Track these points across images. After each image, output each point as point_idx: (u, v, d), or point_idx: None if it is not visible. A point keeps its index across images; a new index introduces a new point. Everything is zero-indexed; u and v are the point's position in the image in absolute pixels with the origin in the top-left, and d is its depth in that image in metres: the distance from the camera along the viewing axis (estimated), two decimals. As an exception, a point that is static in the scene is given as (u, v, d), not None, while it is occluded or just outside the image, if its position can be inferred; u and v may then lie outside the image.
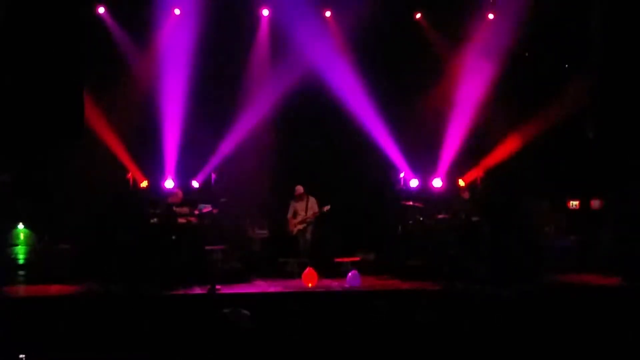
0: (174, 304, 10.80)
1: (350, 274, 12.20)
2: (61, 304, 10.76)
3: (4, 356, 8.52)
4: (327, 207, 13.69)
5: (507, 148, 14.75)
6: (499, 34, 14.64)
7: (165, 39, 14.49)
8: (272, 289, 11.85)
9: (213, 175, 14.41)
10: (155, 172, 14.32)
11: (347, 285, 12.01)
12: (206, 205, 13.53)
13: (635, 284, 11.80)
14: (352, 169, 14.78)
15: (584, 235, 13.92)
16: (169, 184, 14.10)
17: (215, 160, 14.49)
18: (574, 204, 14.42)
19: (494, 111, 14.74)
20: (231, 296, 11.03)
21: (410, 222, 13.87)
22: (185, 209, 13.29)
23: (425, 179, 14.84)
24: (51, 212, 13.35)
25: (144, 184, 14.18)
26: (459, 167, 14.85)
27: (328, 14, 15.02)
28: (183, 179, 14.31)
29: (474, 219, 13.35)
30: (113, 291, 11.44)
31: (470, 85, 14.83)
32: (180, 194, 13.61)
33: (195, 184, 14.38)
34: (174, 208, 13.25)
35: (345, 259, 13.32)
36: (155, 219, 13.03)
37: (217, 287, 11.30)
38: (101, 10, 14.37)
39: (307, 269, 12.19)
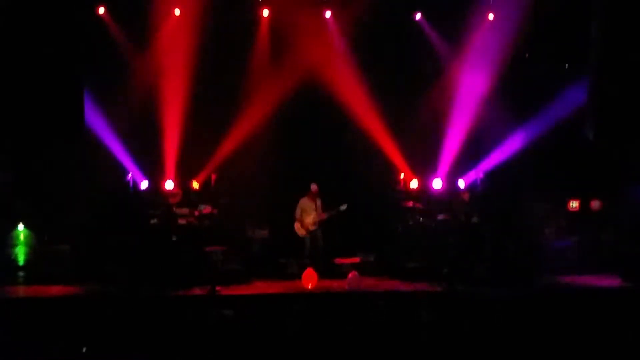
0: (174, 304, 10.80)
1: (350, 275, 12.20)
2: (61, 304, 10.78)
3: (4, 356, 8.53)
4: (344, 206, 13.60)
5: (507, 149, 14.74)
6: (499, 34, 14.64)
7: (165, 39, 14.49)
8: (271, 290, 11.85)
9: (213, 176, 14.42)
10: (155, 173, 14.32)
11: (347, 287, 12.01)
12: (206, 206, 13.53)
13: (635, 284, 11.81)
14: (352, 169, 14.76)
15: (583, 236, 13.91)
16: (169, 184, 14.09)
17: (215, 160, 14.49)
18: (573, 204, 14.40)
19: (493, 112, 14.72)
20: (231, 297, 11.04)
21: (410, 223, 13.87)
22: (185, 210, 13.29)
23: (425, 179, 14.83)
24: (51, 212, 13.36)
25: (144, 184, 14.18)
26: (459, 168, 14.84)
27: (328, 14, 15.01)
28: (183, 180, 14.30)
29: (474, 220, 13.35)
30: (113, 292, 11.45)
31: (470, 86, 14.83)
32: (180, 193, 13.60)
33: (195, 184, 14.37)
34: (174, 209, 13.25)
35: (345, 260, 13.31)
36: (155, 220, 13.03)
37: (217, 288, 11.31)
38: (101, 10, 14.36)
39: (307, 270, 12.19)
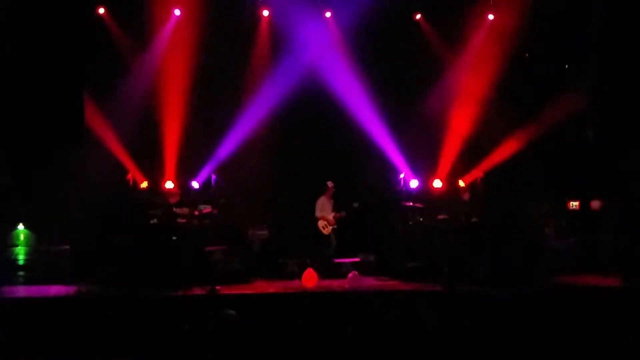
0: (174, 305, 10.79)
1: (350, 275, 12.21)
2: (60, 304, 10.77)
3: (4, 356, 8.53)
4: (356, 204, 13.62)
5: (507, 149, 14.74)
6: (498, 34, 14.64)
7: (165, 40, 14.50)
8: (272, 290, 11.85)
9: (213, 176, 14.42)
10: (155, 173, 14.32)
11: (347, 286, 12.01)
12: (206, 206, 13.54)
13: (636, 284, 11.80)
14: (352, 169, 14.76)
15: (584, 236, 13.92)
16: (169, 185, 14.09)
17: (215, 160, 14.50)
18: (573, 205, 14.42)
19: (493, 112, 14.73)
20: (231, 297, 11.04)
21: (410, 223, 13.87)
22: (185, 210, 13.29)
23: (425, 179, 14.84)
24: (51, 213, 13.35)
25: (144, 184, 14.18)
26: (459, 168, 14.84)
27: (328, 14, 15.01)
28: (183, 180, 14.30)
29: (474, 220, 13.35)
30: (113, 292, 11.44)
31: (470, 86, 14.82)
32: (178, 192, 13.60)
33: (195, 184, 14.37)
34: (174, 209, 13.25)
35: (346, 260, 13.31)
36: (155, 220, 13.02)
37: (217, 287, 11.30)
38: (101, 10, 14.36)
39: (307, 270, 12.19)
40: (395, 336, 8.83)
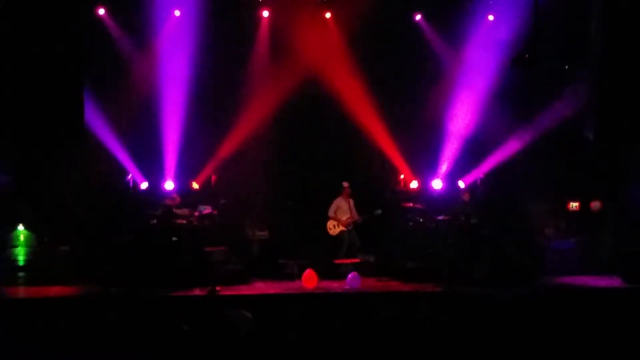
0: (174, 305, 10.79)
1: (350, 275, 12.20)
2: (61, 305, 10.77)
3: (4, 356, 8.53)
4: (379, 211, 13.63)
5: (507, 149, 14.74)
6: (498, 35, 14.64)
7: (165, 40, 14.51)
8: (271, 291, 11.85)
9: (213, 177, 14.42)
10: (155, 174, 14.32)
11: (347, 287, 12.01)
12: (206, 207, 13.54)
13: (635, 285, 11.80)
14: (352, 169, 14.75)
15: (583, 236, 13.92)
16: (169, 185, 14.08)
17: (215, 161, 14.49)
18: (573, 205, 14.42)
19: (494, 112, 14.72)
20: (231, 298, 11.04)
21: (410, 223, 13.87)
22: (185, 211, 13.29)
23: (425, 180, 14.84)
24: (51, 213, 13.35)
25: (144, 185, 14.17)
26: (459, 168, 14.83)
27: (328, 15, 15.01)
28: (183, 181, 14.30)
29: (474, 220, 13.35)
30: (113, 293, 11.44)
31: (470, 87, 14.82)
32: (177, 198, 13.58)
33: (195, 185, 14.37)
34: (174, 209, 13.24)
35: (345, 261, 13.31)
36: (154, 220, 13.02)
37: (217, 288, 11.30)
38: (101, 11, 14.37)
39: (307, 270, 12.19)
40: (395, 336, 8.82)
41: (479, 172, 14.70)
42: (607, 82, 14.68)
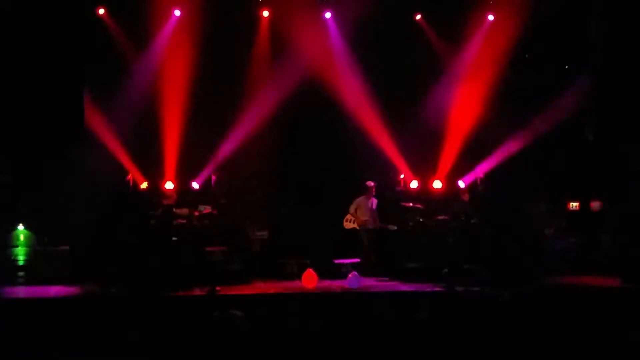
0: (174, 305, 10.79)
1: (350, 275, 12.20)
2: (61, 305, 10.77)
3: (4, 357, 8.53)
4: (394, 227, 13.66)
5: (507, 149, 14.74)
6: (498, 35, 14.64)
7: (165, 40, 14.50)
8: (271, 291, 11.85)
9: (213, 177, 14.42)
10: (155, 173, 14.31)
11: (347, 287, 12.01)
12: (206, 207, 13.53)
13: (635, 285, 11.80)
14: (352, 169, 14.75)
15: (583, 236, 13.92)
16: (169, 185, 14.08)
17: (215, 161, 14.49)
18: (573, 205, 14.42)
19: (493, 112, 14.72)
20: (231, 297, 11.04)
21: (410, 223, 13.86)
22: (185, 210, 13.29)
23: (425, 180, 14.83)
24: (51, 213, 13.35)
25: (144, 185, 14.17)
26: (459, 168, 14.83)
27: (328, 15, 15.01)
28: (183, 180, 14.30)
29: (474, 220, 13.34)
30: (113, 292, 11.44)
31: (470, 87, 14.82)
32: (174, 196, 13.58)
33: (195, 185, 14.37)
34: (174, 210, 13.24)
35: (346, 261, 13.30)
36: (154, 220, 13.02)
37: (217, 288, 11.29)
38: (101, 11, 14.37)
39: (307, 270, 12.19)
40: (395, 336, 8.82)
41: (479, 172, 14.69)
42: (607, 82, 14.71)
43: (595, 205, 14.28)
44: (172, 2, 14.46)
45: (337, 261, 13.36)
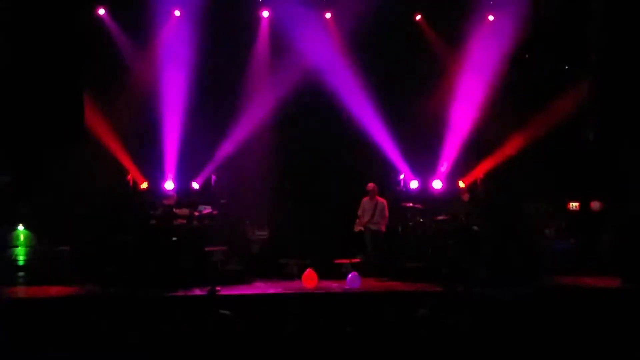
0: (174, 305, 10.79)
1: (350, 275, 12.21)
2: (61, 305, 10.77)
3: (4, 357, 8.54)
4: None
5: (507, 150, 14.74)
6: (498, 35, 14.64)
7: (165, 41, 14.51)
8: (271, 291, 11.85)
9: (213, 177, 14.43)
10: (155, 174, 14.32)
11: (347, 287, 12.01)
12: (206, 207, 13.53)
13: (636, 285, 11.80)
14: (352, 170, 14.75)
15: (583, 237, 13.91)
16: (169, 185, 14.08)
17: (215, 161, 14.49)
18: (573, 205, 14.42)
19: (494, 113, 14.72)
20: (231, 298, 11.04)
21: (410, 223, 13.86)
22: (185, 211, 13.28)
23: (425, 180, 14.83)
24: (51, 213, 13.35)
25: (144, 185, 14.17)
26: (459, 168, 14.83)
27: (328, 15, 15.01)
28: (183, 181, 14.30)
29: (474, 220, 13.34)
30: (113, 293, 11.44)
31: (470, 87, 14.82)
32: (174, 196, 13.58)
33: (195, 185, 14.37)
34: (174, 210, 13.24)
35: (345, 261, 13.30)
36: (154, 221, 13.02)
37: (217, 288, 11.29)
38: (101, 11, 14.37)
39: (307, 270, 12.19)
40: (395, 336, 8.82)
41: (479, 172, 14.69)
42: (606, 84, 14.71)
43: (595, 205, 14.27)
44: (172, 2, 14.46)
45: (337, 261, 13.36)
